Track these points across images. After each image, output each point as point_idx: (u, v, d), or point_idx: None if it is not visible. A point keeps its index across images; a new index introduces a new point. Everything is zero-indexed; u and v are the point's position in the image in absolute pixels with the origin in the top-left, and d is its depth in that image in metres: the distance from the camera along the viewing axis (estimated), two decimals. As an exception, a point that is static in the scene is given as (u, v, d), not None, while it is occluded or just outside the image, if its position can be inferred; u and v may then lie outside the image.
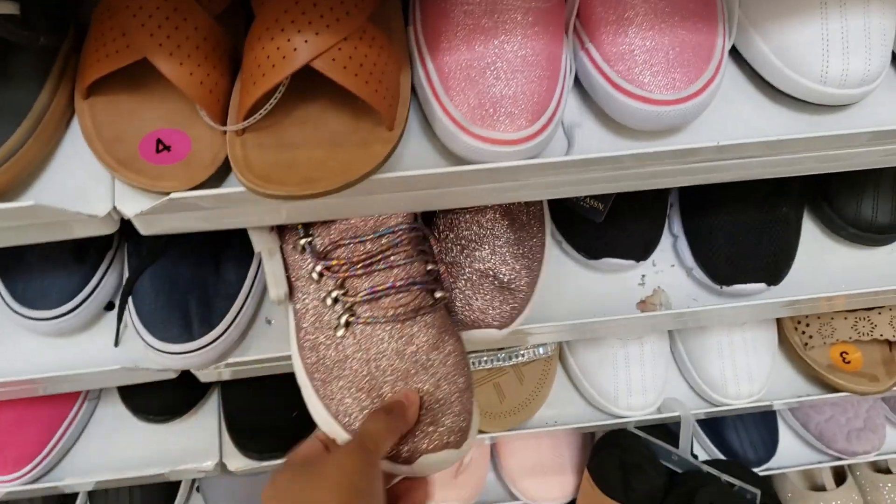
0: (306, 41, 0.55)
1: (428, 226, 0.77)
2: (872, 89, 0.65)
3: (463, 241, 0.78)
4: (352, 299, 0.68)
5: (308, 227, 0.70)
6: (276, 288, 0.71)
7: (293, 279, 0.72)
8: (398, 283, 0.69)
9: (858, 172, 0.78)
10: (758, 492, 1.03)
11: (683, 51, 0.62)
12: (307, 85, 0.61)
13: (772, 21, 0.65)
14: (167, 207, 0.61)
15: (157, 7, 0.59)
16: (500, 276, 0.78)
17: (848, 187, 0.88)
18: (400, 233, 0.70)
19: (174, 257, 0.79)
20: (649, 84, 0.61)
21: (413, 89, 0.65)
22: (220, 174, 0.62)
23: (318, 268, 0.69)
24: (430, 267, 0.72)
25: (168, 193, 0.60)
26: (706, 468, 1.07)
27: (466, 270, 0.77)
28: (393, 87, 0.61)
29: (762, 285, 0.85)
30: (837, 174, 0.83)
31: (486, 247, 0.78)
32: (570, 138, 0.68)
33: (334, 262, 0.69)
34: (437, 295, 0.71)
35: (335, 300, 0.69)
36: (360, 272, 0.69)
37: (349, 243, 0.69)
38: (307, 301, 0.71)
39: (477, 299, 0.77)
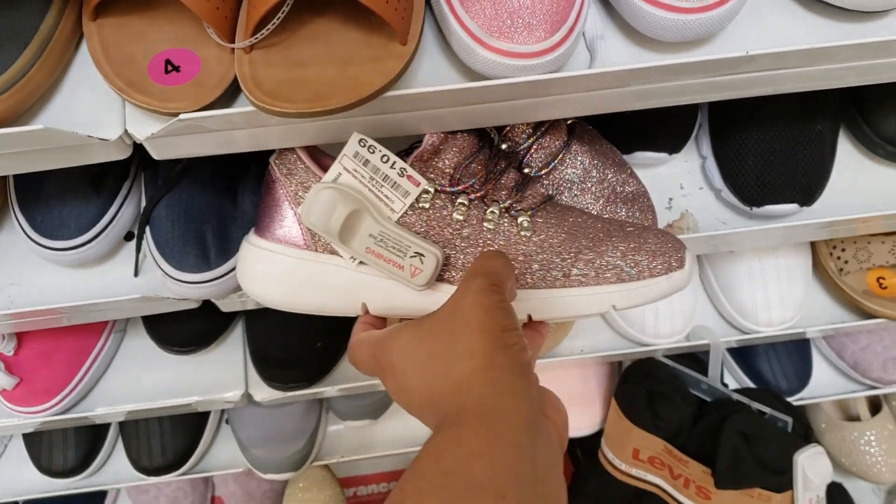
0: None
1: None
2: (912, -7, 0.62)
3: (575, 186, 0.75)
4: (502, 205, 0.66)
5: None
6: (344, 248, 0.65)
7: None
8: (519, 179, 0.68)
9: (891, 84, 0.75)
10: (789, 419, 1.02)
11: None
12: (317, 0, 0.59)
13: (806, -79, 0.62)
14: (177, 129, 0.60)
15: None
16: (620, 192, 0.76)
17: (886, 104, 0.84)
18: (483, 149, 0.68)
19: (190, 186, 0.78)
20: None
21: (428, 2, 0.63)
22: (231, 94, 0.61)
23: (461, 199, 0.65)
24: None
25: (177, 115, 0.58)
26: (736, 396, 1.05)
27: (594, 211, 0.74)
28: (406, 0, 0.59)
29: (794, 206, 0.82)
30: (875, 90, 0.79)
31: (595, 176, 0.75)
32: (592, 52, 0.65)
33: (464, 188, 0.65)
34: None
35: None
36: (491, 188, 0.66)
37: (466, 170, 0.66)
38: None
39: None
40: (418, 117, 0.63)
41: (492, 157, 0.68)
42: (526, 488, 0.42)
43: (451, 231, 0.64)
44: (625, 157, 0.83)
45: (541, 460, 0.45)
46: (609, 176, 0.75)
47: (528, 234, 0.64)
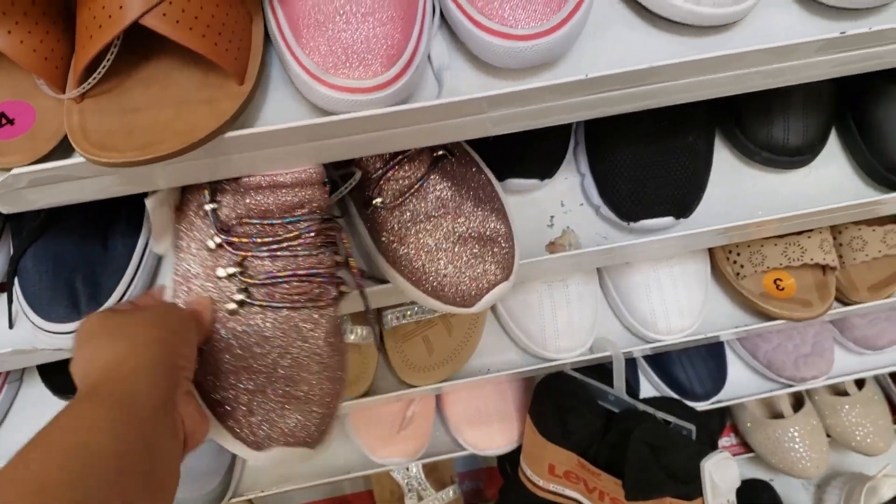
0: None
1: (377, 222, 0.75)
2: (751, 6, 0.62)
3: (423, 223, 0.74)
4: (249, 280, 0.67)
5: (215, 192, 0.67)
6: (160, 241, 0.70)
7: (183, 237, 0.70)
8: (300, 273, 0.67)
9: (767, 95, 0.76)
10: (692, 427, 1.02)
11: None
12: (152, 41, 0.57)
13: (641, -59, 0.62)
14: (14, 183, 0.58)
15: (-26, -27, 0.55)
16: (475, 232, 0.75)
17: (758, 111, 0.85)
18: (312, 222, 0.67)
19: (57, 234, 0.77)
20: (509, 18, 0.58)
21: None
22: (68, 144, 0.59)
23: (218, 239, 0.67)
24: (337, 259, 0.71)
25: (10, 170, 0.57)
26: (642, 406, 1.05)
27: (441, 247, 0.74)
28: (239, 39, 0.58)
29: (669, 219, 0.82)
30: (747, 99, 0.80)
31: (447, 214, 0.75)
32: (439, 81, 0.64)
33: (236, 239, 0.66)
34: (341, 289, 0.71)
35: (231, 276, 0.67)
36: (263, 254, 0.67)
37: (257, 222, 0.66)
38: (193, 267, 0.69)
39: (469, 267, 0.73)
40: (266, 156, 0.62)
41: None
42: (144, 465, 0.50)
43: None
44: (500, 184, 0.83)
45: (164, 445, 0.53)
46: (466, 212, 0.74)
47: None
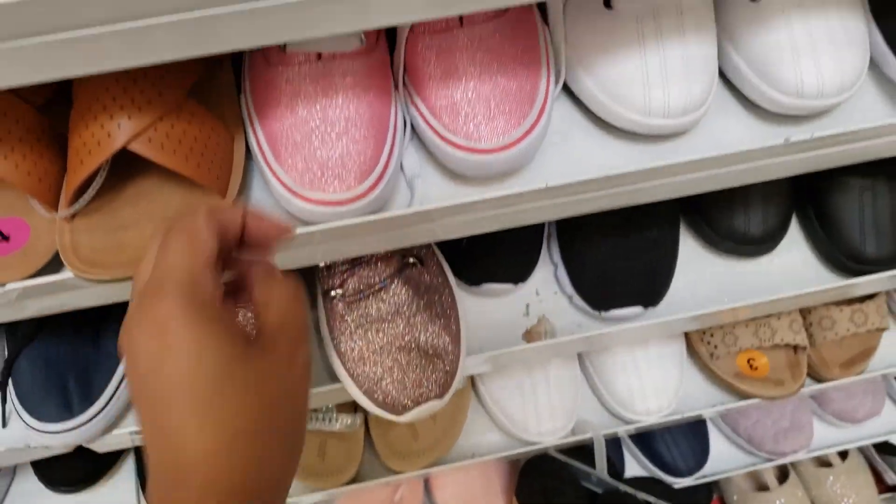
0: (119, 125, 0.56)
1: (333, 310, 0.79)
2: (699, 117, 0.66)
3: (375, 323, 0.78)
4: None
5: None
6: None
7: None
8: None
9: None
10: (673, 507, 1.04)
11: (504, 99, 0.63)
12: (139, 161, 0.61)
13: (595, 57, 0.66)
14: (8, 297, 0.61)
15: (-28, 105, 0.59)
16: (423, 345, 0.78)
17: (720, 202, 0.90)
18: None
19: (51, 335, 0.80)
20: (473, 134, 0.62)
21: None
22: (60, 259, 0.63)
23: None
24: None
25: (4, 285, 0.60)
26: (623, 487, 1.07)
27: (386, 351, 0.77)
28: (220, 158, 0.62)
29: (638, 308, 0.86)
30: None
31: (400, 321, 0.78)
32: (411, 189, 0.68)
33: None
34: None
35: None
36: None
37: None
38: None
39: (407, 378, 0.76)
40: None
41: None
42: None
43: None
44: (474, 287, 0.88)
45: None
46: (419, 323, 0.78)
47: None
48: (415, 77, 0.66)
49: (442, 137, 0.64)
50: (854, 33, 0.66)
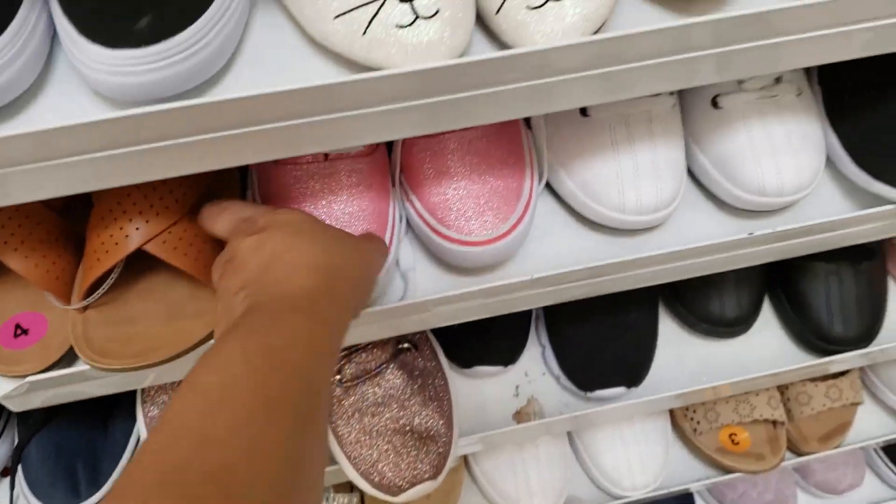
0: (138, 228, 0.61)
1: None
2: (670, 213, 0.72)
3: (371, 407, 0.83)
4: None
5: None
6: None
7: None
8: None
9: (702, 272, 0.85)
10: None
11: (493, 196, 0.68)
12: (150, 259, 0.65)
13: (574, 160, 0.72)
14: (28, 388, 0.65)
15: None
16: (417, 427, 0.82)
17: (696, 287, 0.95)
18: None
19: (62, 422, 0.83)
20: (464, 228, 0.67)
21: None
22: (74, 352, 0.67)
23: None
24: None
25: (25, 377, 0.65)
26: (614, 561, 1.10)
27: (382, 434, 0.81)
28: None
29: (622, 389, 0.90)
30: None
31: (395, 405, 0.83)
32: (405, 281, 0.73)
33: None
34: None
35: None
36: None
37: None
38: None
39: (402, 460, 0.80)
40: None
41: None
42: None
43: None
44: (466, 370, 0.93)
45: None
46: (413, 407, 0.83)
47: None
48: (410, 177, 0.71)
49: (435, 231, 0.69)
50: (810, 136, 0.73)
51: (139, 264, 0.67)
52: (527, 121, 0.75)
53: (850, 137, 0.74)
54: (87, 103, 0.52)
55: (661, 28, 0.50)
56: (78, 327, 0.64)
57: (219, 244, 0.65)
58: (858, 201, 0.76)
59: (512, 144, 0.72)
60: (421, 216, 0.70)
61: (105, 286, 0.64)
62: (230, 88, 0.53)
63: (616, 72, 0.52)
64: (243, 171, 0.74)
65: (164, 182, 0.62)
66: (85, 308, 0.65)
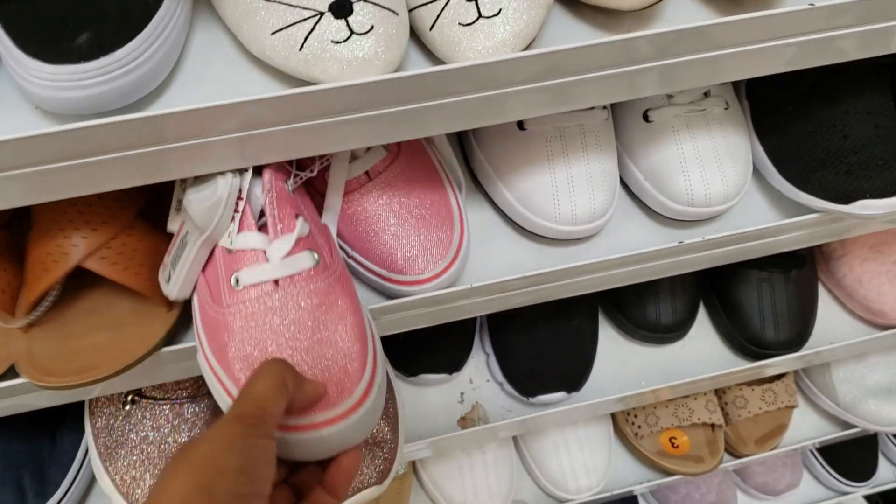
0: (74, 245, 0.61)
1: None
2: (604, 223, 0.74)
3: None
4: None
5: None
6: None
7: None
8: None
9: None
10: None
11: (430, 229, 0.69)
12: (92, 274, 0.64)
13: (512, 172, 0.74)
14: (-34, 402, 0.66)
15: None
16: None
17: (632, 294, 0.98)
18: None
19: (8, 432, 0.83)
20: (416, 268, 0.68)
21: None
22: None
23: None
24: None
25: (-35, 382, 0.65)
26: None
27: None
28: None
29: (562, 394, 0.93)
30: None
31: None
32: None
33: None
34: None
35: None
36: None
37: None
38: None
39: None
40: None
41: None
42: None
43: None
44: (412, 379, 0.95)
45: None
46: None
47: None
48: (350, 240, 0.71)
49: (391, 280, 0.69)
50: (737, 149, 0.76)
51: (83, 279, 0.67)
52: (428, 142, 0.77)
53: (777, 149, 0.78)
54: (28, 118, 0.53)
55: (599, 42, 0.52)
56: (21, 345, 0.64)
57: (157, 258, 0.65)
58: (785, 210, 0.80)
59: (426, 169, 0.73)
60: (371, 271, 0.70)
61: (47, 302, 0.64)
62: (171, 103, 0.54)
63: (558, 84, 0.55)
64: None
65: (101, 197, 0.63)
66: (28, 326, 0.65)
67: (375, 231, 0.69)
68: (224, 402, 0.56)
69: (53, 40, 0.49)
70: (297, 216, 0.59)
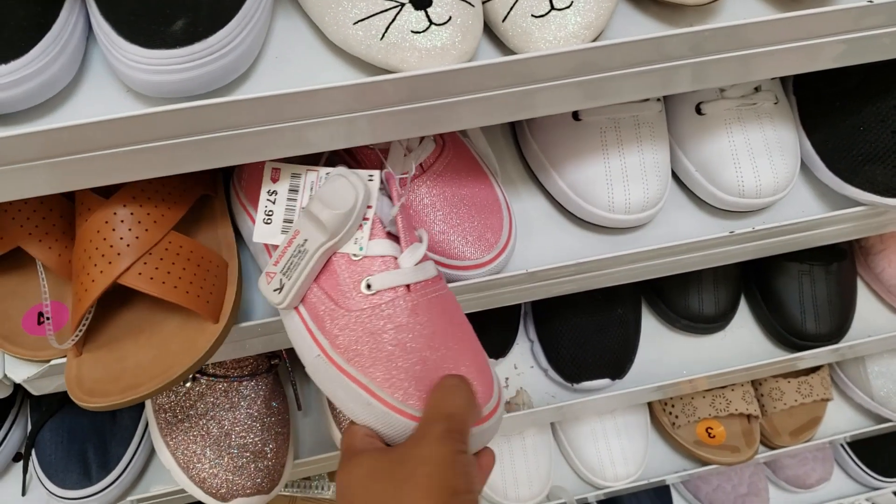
0: (110, 262, 0.61)
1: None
2: (656, 212, 0.77)
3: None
4: None
5: None
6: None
7: None
8: None
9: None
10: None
11: (482, 217, 0.72)
12: (138, 293, 0.64)
13: (566, 161, 0.77)
14: (50, 372, 0.69)
15: (24, 202, 0.67)
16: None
17: (676, 285, 1.00)
18: None
19: (73, 408, 0.86)
20: (472, 254, 0.71)
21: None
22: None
23: None
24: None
25: (49, 361, 0.68)
26: (594, 549, 1.15)
27: None
28: (212, 285, 0.66)
29: (607, 380, 0.95)
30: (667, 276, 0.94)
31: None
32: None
33: None
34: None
35: None
36: None
37: None
38: None
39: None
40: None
41: None
42: None
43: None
44: None
45: None
46: None
47: None
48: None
49: (451, 266, 0.71)
50: (786, 142, 0.78)
51: (128, 301, 0.68)
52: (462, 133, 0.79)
53: (824, 144, 0.80)
54: (120, 100, 0.56)
55: (640, 39, 0.54)
56: (72, 369, 0.64)
57: (199, 270, 0.65)
58: (831, 203, 0.82)
59: (469, 161, 0.76)
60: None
61: (82, 325, 0.64)
62: (256, 88, 0.56)
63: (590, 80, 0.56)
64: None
65: (132, 214, 0.63)
66: (80, 350, 0.65)
67: (432, 220, 0.72)
68: (359, 399, 0.56)
69: (150, 26, 0.51)
70: (414, 228, 0.63)
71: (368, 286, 0.58)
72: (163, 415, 0.83)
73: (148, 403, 0.85)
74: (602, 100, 0.58)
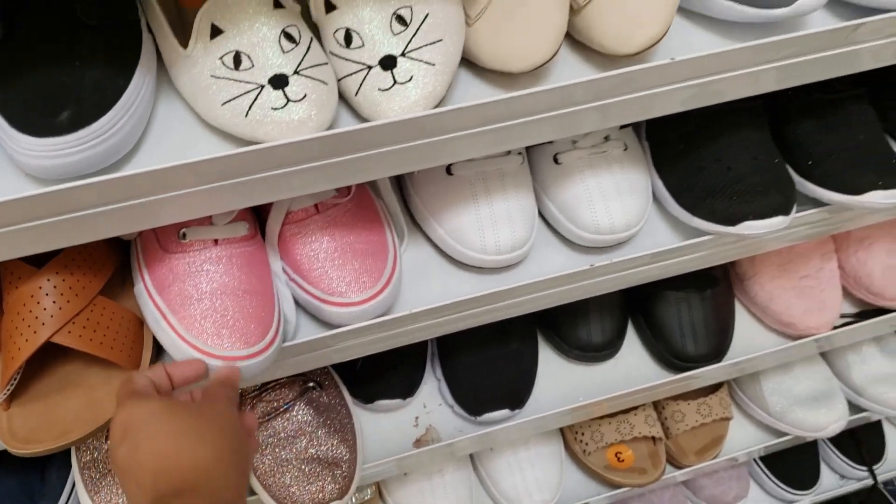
0: (43, 324, 0.69)
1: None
2: (526, 252, 0.85)
3: (281, 441, 0.94)
4: None
5: None
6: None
7: None
8: None
9: (573, 304, 0.98)
10: None
11: (363, 261, 0.79)
12: (65, 350, 0.71)
13: (442, 211, 0.85)
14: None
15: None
16: (324, 456, 0.94)
17: (567, 317, 1.09)
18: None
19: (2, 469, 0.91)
20: (346, 292, 0.78)
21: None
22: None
23: None
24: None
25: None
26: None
27: (292, 463, 0.93)
28: (130, 340, 0.75)
29: (506, 411, 1.02)
30: (561, 308, 1.03)
31: (303, 437, 0.94)
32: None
33: None
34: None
35: None
36: None
37: None
38: None
39: (310, 483, 0.92)
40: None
41: None
42: None
43: None
44: (368, 405, 1.05)
45: None
46: (320, 437, 0.94)
47: None
48: (288, 259, 0.81)
49: (323, 301, 0.78)
50: (636, 183, 0.87)
51: (56, 357, 0.74)
52: (376, 193, 0.87)
53: (673, 182, 0.89)
54: (17, 182, 0.63)
55: (491, 101, 0.63)
56: (2, 422, 0.71)
57: (121, 329, 0.73)
58: (684, 235, 0.91)
59: (371, 213, 0.84)
60: (308, 292, 0.79)
61: (13, 381, 0.71)
62: (141, 164, 0.64)
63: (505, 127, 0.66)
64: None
65: (64, 281, 0.70)
66: (9, 403, 0.72)
67: (314, 255, 0.79)
68: (161, 329, 0.72)
69: (39, 117, 0.59)
70: None
71: (184, 235, 0.73)
72: (88, 472, 0.89)
73: (74, 462, 0.90)
74: (442, 159, 0.67)
